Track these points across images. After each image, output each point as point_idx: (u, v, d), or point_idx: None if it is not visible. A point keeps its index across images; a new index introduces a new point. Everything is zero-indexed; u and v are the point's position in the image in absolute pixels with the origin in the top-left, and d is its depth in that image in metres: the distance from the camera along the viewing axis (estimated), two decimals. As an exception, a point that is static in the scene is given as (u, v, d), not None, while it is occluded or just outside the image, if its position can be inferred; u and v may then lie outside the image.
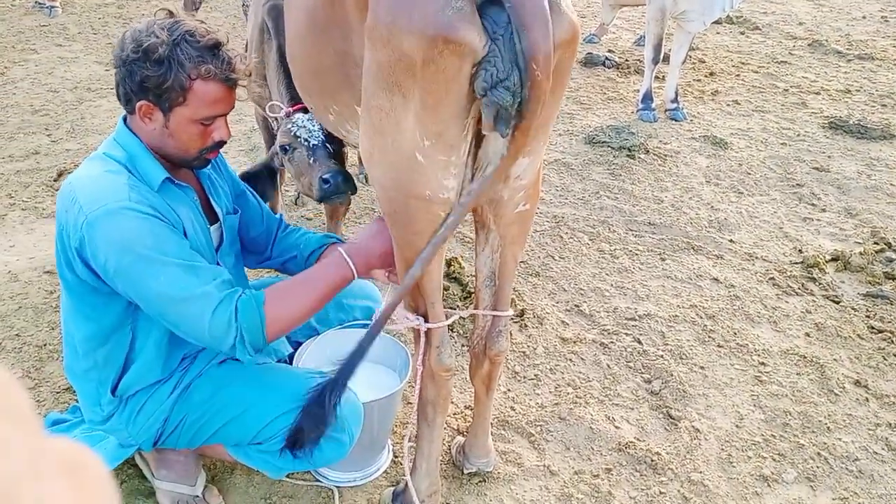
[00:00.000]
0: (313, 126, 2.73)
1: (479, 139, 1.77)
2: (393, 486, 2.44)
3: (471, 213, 2.08)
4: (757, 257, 3.91)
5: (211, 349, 2.16)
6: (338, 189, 2.68)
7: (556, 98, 1.75)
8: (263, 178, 2.98)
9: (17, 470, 0.44)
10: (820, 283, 3.68)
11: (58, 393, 2.80)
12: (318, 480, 2.46)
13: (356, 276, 2.10)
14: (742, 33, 7.93)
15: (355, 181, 2.82)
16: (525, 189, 1.92)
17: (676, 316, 3.40)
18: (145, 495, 2.39)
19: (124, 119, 2.12)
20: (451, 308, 3.22)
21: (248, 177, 2.95)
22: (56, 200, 2.03)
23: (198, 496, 2.35)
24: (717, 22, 7.53)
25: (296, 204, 4.29)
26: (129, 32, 1.99)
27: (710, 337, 3.28)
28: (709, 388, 2.97)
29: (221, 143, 2.13)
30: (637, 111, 5.77)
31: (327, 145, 2.76)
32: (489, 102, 1.57)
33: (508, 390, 2.91)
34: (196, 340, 1.97)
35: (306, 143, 2.73)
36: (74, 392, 2.67)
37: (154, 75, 1.93)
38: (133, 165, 2.03)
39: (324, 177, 2.67)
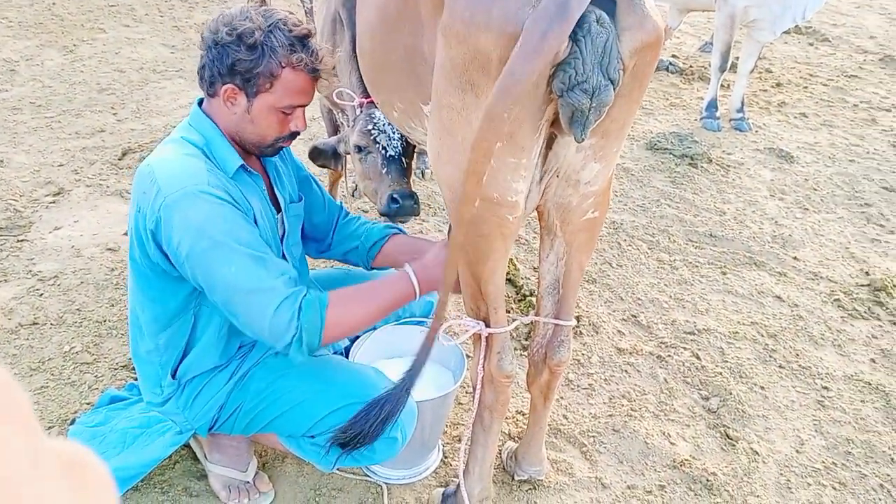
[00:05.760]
0: (394, 133, 2.67)
1: (549, 142, 1.74)
2: (442, 486, 2.42)
3: (535, 217, 2.05)
4: (822, 277, 3.78)
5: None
6: (403, 211, 2.64)
7: (633, 102, 1.70)
8: (328, 157, 2.99)
9: (16, 470, 0.43)
10: (887, 308, 3.55)
11: (115, 370, 2.84)
12: (367, 476, 2.45)
13: (418, 296, 2.10)
14: (811, 45, 7.69)
15: (417, 199, 2.77)
16: (595, 196, 1.87)
17: (736, 333, 3.30)
18: (197, 477, 2.41)
19: (199, 102, 2.13)
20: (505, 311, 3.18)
21: (316, 152, 2.98)
22: (133, 182, 2.04)
23: (248, 482, 2.36)
24: (785, 32, 7.31)
25: (352, 195, 4.28)
26: (221, 16, 2.01)
27: (771, 357, 3.18)
28: (769, 410, 2.88)
29: (296, 134, 2.14)
30: (700, 119, 5.64)
31: (403, 159, 2.70)
32: (565, 104, 1.53)
33: (561, 398, 2.86)
34: (253, 334, 1.96)
35: (383, 153, 2.67)
36: (132, 369, 2.71)
37: (246, 59, 1.95)
38: (210, 150, 2.05)
39: (393, 195, 2.63)
